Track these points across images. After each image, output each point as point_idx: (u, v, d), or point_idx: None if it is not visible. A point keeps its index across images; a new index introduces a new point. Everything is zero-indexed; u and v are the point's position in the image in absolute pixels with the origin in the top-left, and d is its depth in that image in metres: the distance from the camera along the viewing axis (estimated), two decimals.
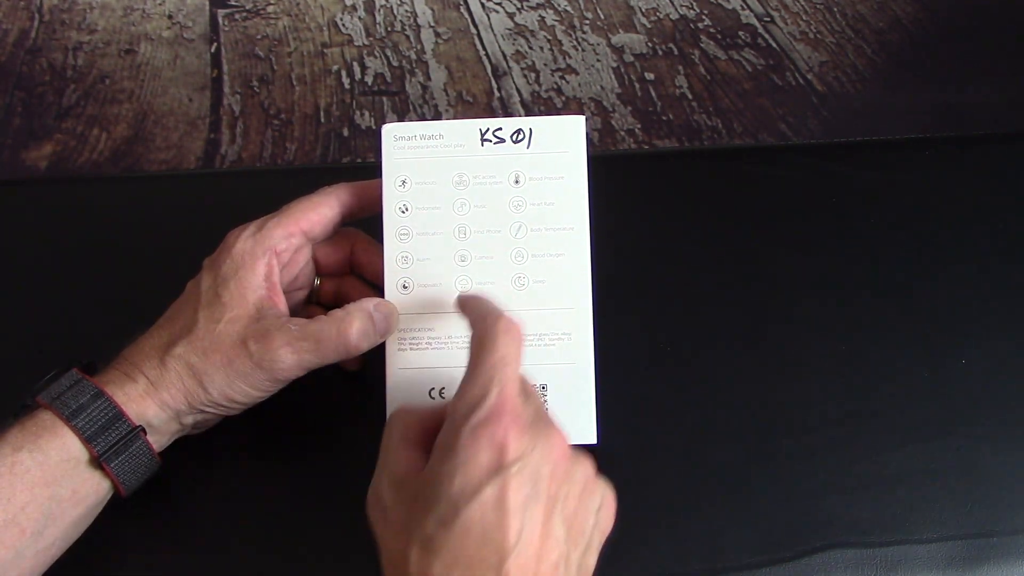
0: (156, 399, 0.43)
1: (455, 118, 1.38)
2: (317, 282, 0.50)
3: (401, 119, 1.37)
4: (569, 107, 1.39)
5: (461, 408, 0.36)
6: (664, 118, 1.38)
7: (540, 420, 0.37)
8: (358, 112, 1.39)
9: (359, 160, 1.35)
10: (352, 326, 0.44)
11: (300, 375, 0.45)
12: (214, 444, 0.48)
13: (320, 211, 0.47)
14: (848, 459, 0.49)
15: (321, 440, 0.50)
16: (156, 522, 0.47)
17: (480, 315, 0.40)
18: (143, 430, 0.43)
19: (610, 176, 0.50)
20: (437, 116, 1.38)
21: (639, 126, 1.37)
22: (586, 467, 0.38)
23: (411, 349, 0.46)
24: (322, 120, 1.38)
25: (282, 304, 0.45)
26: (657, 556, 0.46)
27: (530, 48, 1.49)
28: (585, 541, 0.37)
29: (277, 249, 0.45)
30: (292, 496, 0.48)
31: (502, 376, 0.37)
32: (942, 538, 0.47)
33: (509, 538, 0.34)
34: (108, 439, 0.42)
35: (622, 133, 1.36)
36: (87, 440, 0.41)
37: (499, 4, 1.56)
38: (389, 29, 1.52)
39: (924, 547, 0.46)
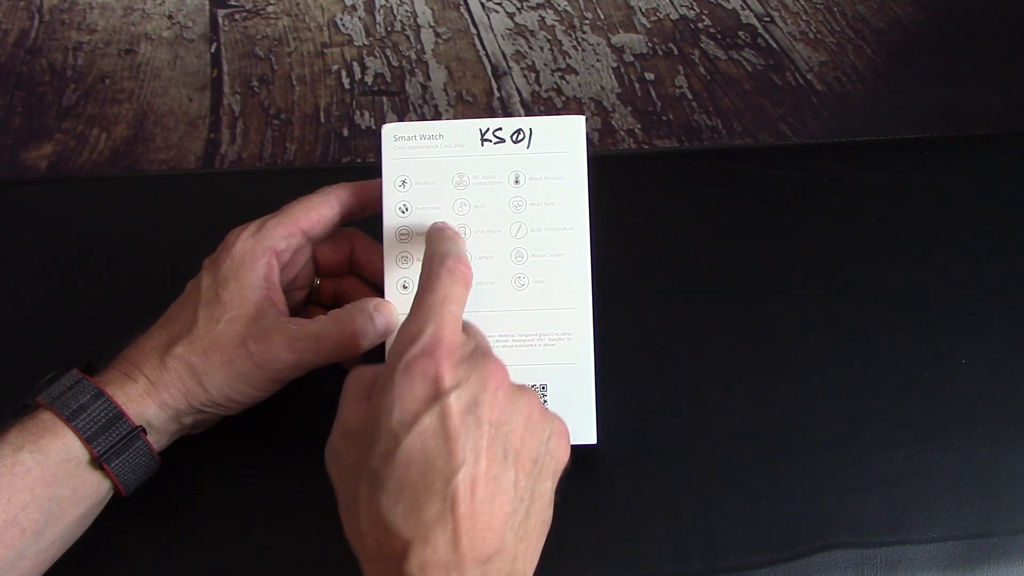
0: (156, 399, 0.43)
1: (455, 118, 1.38)
2: (317, 282, 0.50)
3: (401, 119, 1.37)
4: (569, 107, 1.39)
5: (397, 346, 0.37)
6: (664, 118, 1.38)
7: (478, 353, 0.38)
8: (358, 112, 1.39)
9: (359, 160, 1.35)
10: (352, 326, 0.44)
11: (300, 375, 0.45)
12: (214, 444, 0.48)
13: (320, 211, 0.47)
14: (848, 459, 0.49)
15: (321, 440, 0.50)
16: (156, 522, 0.47)
17: (429, 255, 0.40)
18: (143, 430, 0.43)
19: (610, 176, 0.50)
20: (437, 116, 1.38)
21: (639, 126, 1.37)
22: (530, 399, 0.38)
23: None
24: (322, 120, 1.38)
25: (282, 304, 0.45)
26: (657, 556, 0.46)
27: (530, 48, 1.49)
28: (535, 468, 0.37)
29: (277, 249, 0.45)
30: (292, 495, 0.48)
31: (440, 314, 0.37)
32: (942, 538, 0.47)
33: (452, 463, 0.34)
34: (108, 439, 0.42)
35: (622, 133, 1.36)
36: (87, 440, 0.41)
37: (499, 4, 1.56)
38: (389, 29, 1.52)
39: (924, 547, 0.46)
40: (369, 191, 0.48)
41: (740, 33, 1.51)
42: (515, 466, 0.36)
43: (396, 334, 0.38)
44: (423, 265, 0.40)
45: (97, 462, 0.42)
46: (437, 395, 0.35)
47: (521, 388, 0.38)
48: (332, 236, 0.49)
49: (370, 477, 0.35)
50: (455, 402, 0.35)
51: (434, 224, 0.45)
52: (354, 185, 0.48)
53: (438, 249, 0.41)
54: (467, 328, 0.40)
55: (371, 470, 0.35)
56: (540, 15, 1.54)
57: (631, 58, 1.47)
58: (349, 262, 0.50)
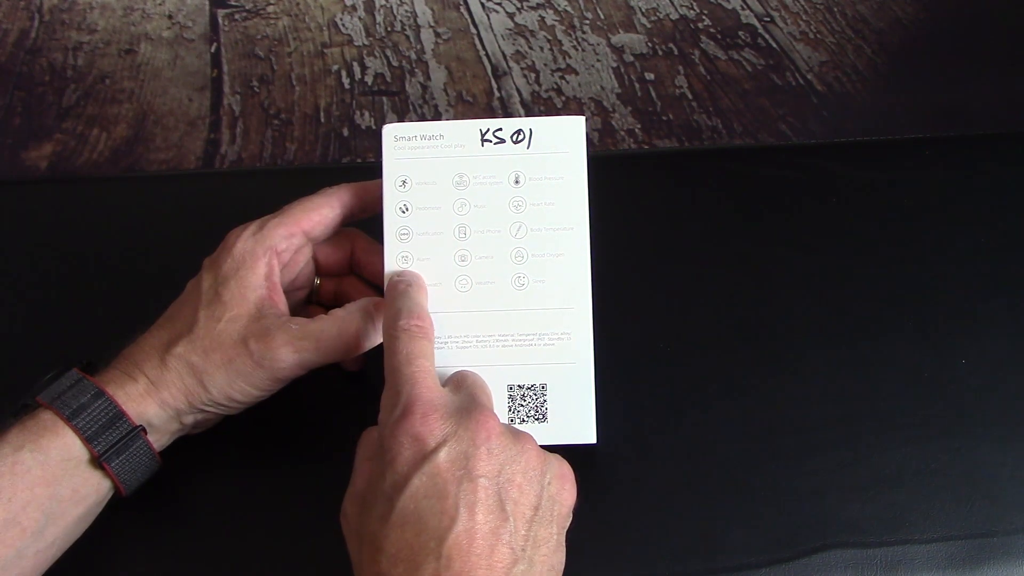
0: (157, 398, 0.43)
1: (455, 118, 1.38)
2: (317, 282, 0.50)
3: (401, 119, 1.37)
4: (569, 107, 1.39)
5: (382, 415, 0.38)
6: (664, 118, 1.38)
7: (468, 406, 0.38)
8: (358, 112, 1.39)
9: (359, 160, 1.35)
10: (353, 325, 0.44)
11: (300, 374, 0.45)
12: (214, 444, 0.48)
13: (321, 211, 0.47)
14: (848, 459, 0.49)
15: (321, 440, 0.50)
16: (156, 522, 0.47)
17: (385, 321, 0.42)
18: (143, 430, 0.43)
19: (610, 176, 0.50)
20: (437, 116, 1.38)
21: (639, 126, 1.37)
22: (525, 444, 0.38)
23: None
24: (322, 120, 1.38)
25: (282, 304, 0.45)
26: (657, 556, 0.46)
27: (530, 48, 1.49)
28: (536, 515, 0.37)
29: (278, 249, 0.45)
30: (292, 496, 0.48)
31: (409, 374, 0.39)
32: (942, 538, 0.47)
33: (444, 521, 0.35)
34: (109, 439, 0.42)
35: (622, 133, 1.36)
36: (87, 440, 0.41)
37: (499, 4, 1.56)
38: (389, 29, 1.52)
39: (924, 547, 0.46)
40: (370, 192, 0.48)
41: (740, 33, 1.51)
42: (514, 515, 0.36)
43: (381, 404, 0.39)
44: (383, 332, 0.42)
45: (97, 462, 0.42)
46: (424, 454, 0.36)
47: (516, 434, 0.38)
48: (332, 236, 0.49)
49: (370, 540, 0.36)
50: (444, 459, 0.36)
51: (388, 280, 0.45)
52: (355, 186, 0.48)
53: (390, 312, 0.42)
54: (461, 379, 0.42)
55: (370, 533, 0.36)
56: (540, 15, 1.54)
57: (631, 58, 1.47)
58: (349, 262, 0.50)
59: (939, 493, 0.48)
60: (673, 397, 0.51)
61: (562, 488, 0.39)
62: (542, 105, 1.40)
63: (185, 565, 0.46)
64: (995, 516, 0.47)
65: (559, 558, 0.38)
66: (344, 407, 0.51)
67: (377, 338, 0.45)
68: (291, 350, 0.43)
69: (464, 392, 0.40)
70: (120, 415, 0.42)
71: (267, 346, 0.43)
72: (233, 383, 0.43)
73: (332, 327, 0.44)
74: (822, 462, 0.49)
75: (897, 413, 0.50)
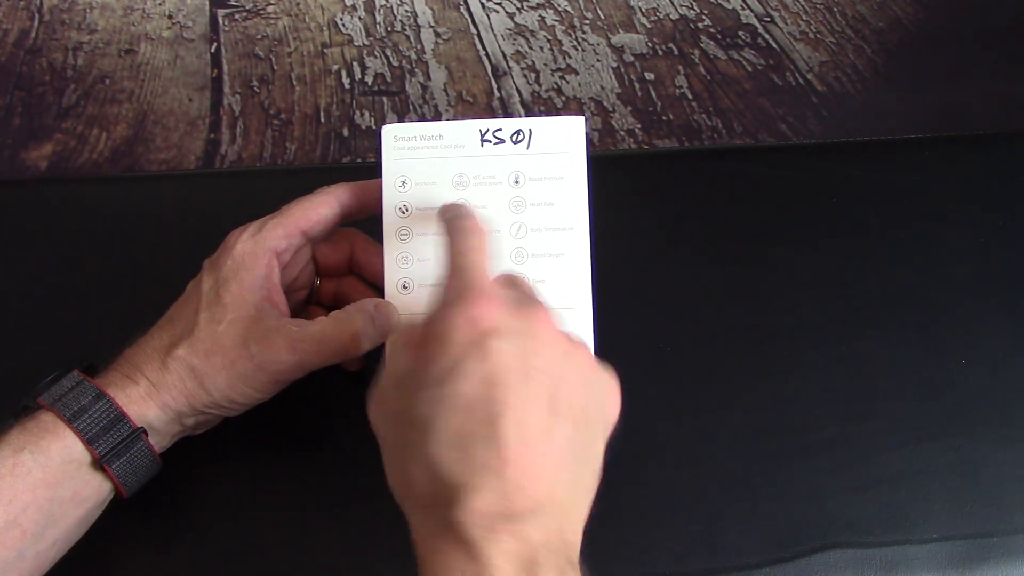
0: (157, 401, 0.43)
1: (455, 118, 1.38)
2: (317, 282, 0.50)
3: (401, 119, 1.37)
4: (569, 107, 1.39)
5: (438, 301, 0.38)
6: (664, 118, 1.38)
7: (526, 300, 0.37)
8: (358, 112, 1.39)
9: (359, 160, 1.35)
10: (353, 327, 0.44)
11: (301, 376, 0.45)
12: (215, 445, 0.48)
13: (320, 211, 0.47)
14: (848, 459, 0.49)
15: (321, 440, 0.50)
16: (157, 523, 0.47)
17: (441, 229, 0.42)
18: (144, 432, 0.43)
19: (610, 176, 0.50)
20: (437, 116, 1.38)
21: (639, 126, 1.37)
22: (582, 351, 0.37)
23: None
24: (322, 120, 1.38)
25: (283, 305, 0.45)
26: (657, 556, 0.46)
27: (530, 48, 1.49)
28: (579, 415, 0.36)
29: (277, 250, 0.45)
30: (292, 496, 0.48)
31: (466, 264, 0.38)
32: (942, 538, 0.47)
33: (496, 408, 0.34)
34: (109, 441, 0.42)
35: (622, 133, 1.36)
36: (88, 442, 0.41)
37: (499, 4, 1.56)
38: (389, 29, 1.52)
39: (924, 547, 0.46)
40: (369, 192, 0.48)
41: (740, 33, 1.51)
42: (564, 414, 0.35)
43: (436, 296, 0.39)
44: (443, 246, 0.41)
45: (98, 463, 0.42)
46: (479, 338, 0.35)
47: (572, 340, 0.38)
48: (332, 236, 0.49)
49: (420, 423, 0.35)
50: (499, 346, 0.35)
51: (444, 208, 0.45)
52: (353, 185, 0.48)
53: (442, 219, 0.42)
54: (510, 278, 0.41)
55: (421, 416, 0.35)
56: (540, 15, 1.54)
57: (631, 58, 1.47)
58: (349, 262, 0.50)
59: (939, 493, 0.48)
60: (673, 397, 0.51)
61: (611, 402, 0.38)
62: (542, 105, 1.40)
63: (186, 566, 0.46)
64: (995, 516, 0.47)
65: (599, 470, 0.37)
66: (344, 407, 0.51)
67: (377, 339, 0.45)
68: (291, 352, 0.43)
69: (520, 289, 0.39)
70: (121, 417, 0.42)
71: (267, 348, 0.43)
72: (234, 385, 0.43)
73: (332, 329, 0.44)
74: (822, 462, 0.49)
75: (897, 413, 0.50)
